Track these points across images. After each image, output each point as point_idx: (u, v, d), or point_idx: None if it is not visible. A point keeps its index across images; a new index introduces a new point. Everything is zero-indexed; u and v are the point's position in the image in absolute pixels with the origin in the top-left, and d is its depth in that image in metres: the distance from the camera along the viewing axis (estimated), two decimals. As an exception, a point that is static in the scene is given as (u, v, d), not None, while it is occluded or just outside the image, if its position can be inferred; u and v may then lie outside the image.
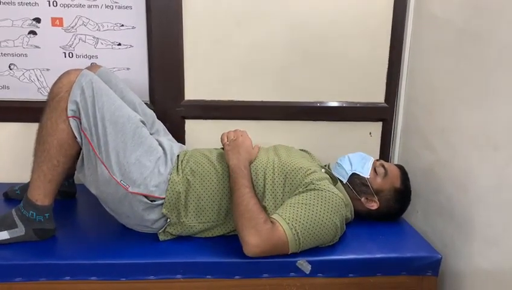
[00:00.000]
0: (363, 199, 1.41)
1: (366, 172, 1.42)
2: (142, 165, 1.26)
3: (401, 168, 1.46)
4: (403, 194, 1.43)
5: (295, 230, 1.19)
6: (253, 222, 1.18)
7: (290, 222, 1.20)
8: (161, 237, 1.32)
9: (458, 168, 1.36)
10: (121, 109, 1.28)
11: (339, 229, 1.27)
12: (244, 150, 1.36)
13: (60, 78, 1.26)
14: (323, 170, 1.41)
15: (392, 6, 1.69)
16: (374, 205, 1.40)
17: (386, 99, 1.78)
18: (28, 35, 1.62)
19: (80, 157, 1.26)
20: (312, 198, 1.25)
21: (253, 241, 1.17)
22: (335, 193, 1.28)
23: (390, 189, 1.41)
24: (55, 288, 1.20)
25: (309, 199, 1.25)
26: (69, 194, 1.59)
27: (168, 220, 1.31)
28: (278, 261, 1.23)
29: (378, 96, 1.78)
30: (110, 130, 1.23)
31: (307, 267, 1.24)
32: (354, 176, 1.43)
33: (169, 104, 1.69)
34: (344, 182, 1.43)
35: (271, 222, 1.20)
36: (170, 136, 1.57)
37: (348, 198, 1.39)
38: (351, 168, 1.44)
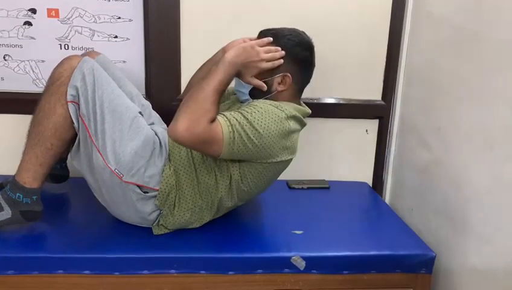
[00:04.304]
0: (278, 88, 1.32)
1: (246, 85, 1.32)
2: (137, 155, 1.25)
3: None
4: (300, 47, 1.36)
5: (233, 134, 1.16)
6: (199, 112, 1.14)
7: (232, 124, 1.17)
8: (155, 231, 1.31)
9: (454, 166, 1.36)
10: (120, 98, 1.28)
11: (282, 149, 1.24)
12: (248, 60, 1.25)
13: (61, 63, 1.26)
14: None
15: (391, 3, 1.68)
16: (287, 79, 1.31)
17: (383, 97, 1.77)
18: (23, 26, 1.61)
19: (76, 143, 1.26)
20: (258, 111, 1.20)
21: (185, 125, 1.13)
22: (281, 109, 1.23)
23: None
24: (47, 281, 1.19)
25: (255, 112, 1.20)
26: (61, 178, 1.55)
27: (161, 212, 1.30)
28: (273, 257, 1.23)
29: (375, 94, 1.78)
30: (108, 118, 1.22)
31: (301, 264, 1.24)
32: (252, 91, 1.33)
33: (166, 98, 1.68)
34: (262, 99, 1.31)
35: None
36: (165, 126, 1.54)
37: (293, 110, 1.29)
38: (244, 89, 1.33)
